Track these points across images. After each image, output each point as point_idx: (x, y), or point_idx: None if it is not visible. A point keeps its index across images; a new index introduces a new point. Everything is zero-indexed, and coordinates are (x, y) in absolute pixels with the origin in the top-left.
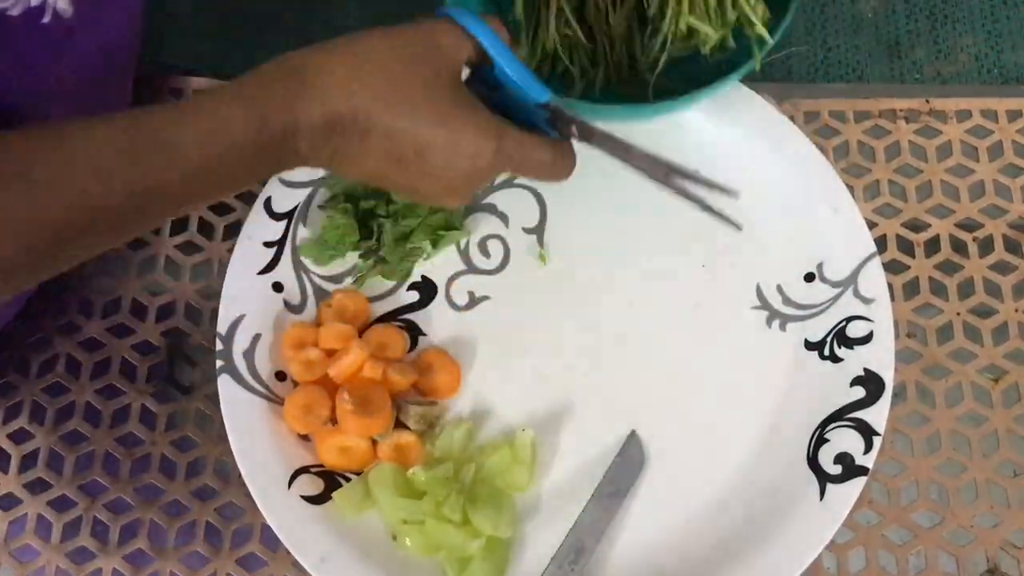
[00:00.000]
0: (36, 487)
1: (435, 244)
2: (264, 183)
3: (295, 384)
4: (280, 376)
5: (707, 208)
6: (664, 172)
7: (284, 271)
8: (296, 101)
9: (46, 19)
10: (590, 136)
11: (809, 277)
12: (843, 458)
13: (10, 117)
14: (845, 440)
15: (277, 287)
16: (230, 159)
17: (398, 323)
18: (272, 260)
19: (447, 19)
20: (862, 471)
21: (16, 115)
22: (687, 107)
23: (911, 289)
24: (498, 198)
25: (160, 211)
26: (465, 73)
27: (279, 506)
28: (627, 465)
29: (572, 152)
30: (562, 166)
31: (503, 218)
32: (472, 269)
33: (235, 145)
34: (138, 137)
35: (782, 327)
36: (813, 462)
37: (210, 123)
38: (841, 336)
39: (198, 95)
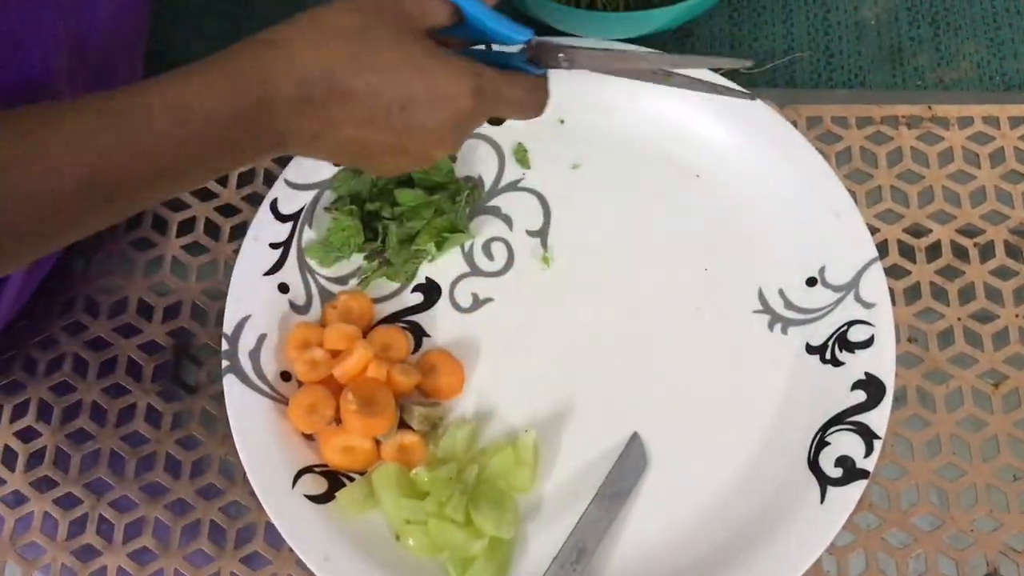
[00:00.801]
0: (42, 485)
1: (439, 246)
2: (271, 186)
3: (300, 384)
4: (285, 376)
5: (715, 88)
6: (660, 73)
7: (289, 272)
8: (268, 74)
9: None
10: (577, 58)
11: (811, 281)
12: (844, 461)
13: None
14: (846, 443)
15: (283, 288)
16: (204, 133)
17: (402, 324)
18: (278, 261)
19: None
20: (863, 474)
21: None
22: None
23: (912, 294)
24: (502, 201)
25: (139, 190)
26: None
27: (283, 505)
28: (629, 467)
29: (546, 86)
30: (537, 99)
31: (507, 221)
32: (476, 271)
33: (208, 119)
34: (108, 111)
35: (784, 331)
36: (814, 465)
37: (182, 95)
38: (842, 340)
39: (169, 73)
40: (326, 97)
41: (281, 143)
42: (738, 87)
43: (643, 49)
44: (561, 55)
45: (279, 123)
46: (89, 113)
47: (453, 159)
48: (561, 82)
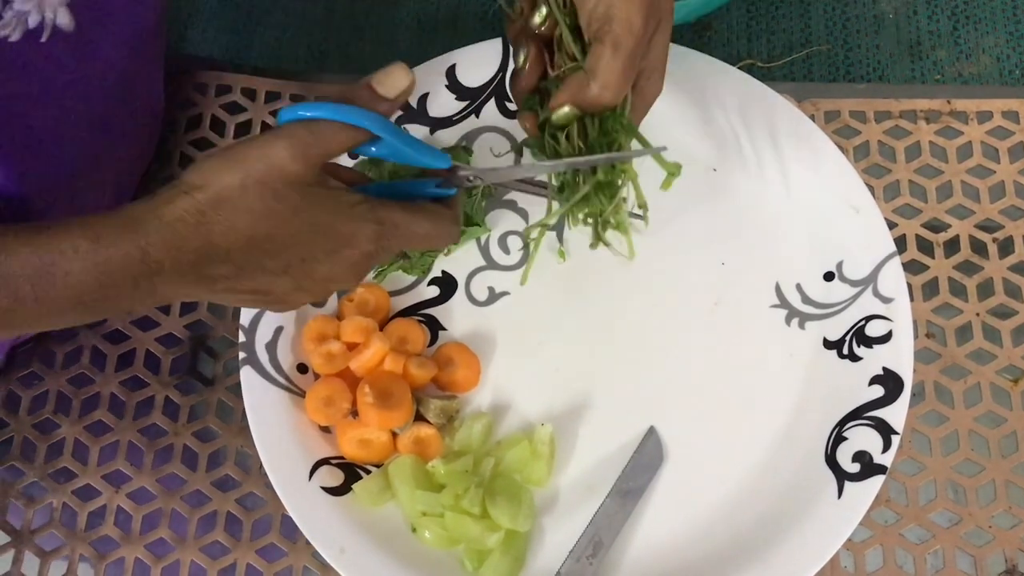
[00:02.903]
0: (61, 477)
1: None
2: None
3: (316, 376)
4: (302, 368)
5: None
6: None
7: None
8: (152, 252)
9: (44, 38)
10: (494, 179)
11: (829, 276)
12: (861, 456)
13: (33, 137)
14: (863, 438)
15: None
16: (63, 293)
17: (418, 317)
18: None
19: (303, 122)
20: (880, 470)
21: (38, 135)
22: None
23: (930, 289)
24: (518, 195)
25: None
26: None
27: (299, 497)
28: (645, 461)
29: (456, 214)
30: (447, 231)
31: (523, 214)
32: (492, 265)
33: (70, 281)
34: None
35: (801, 325)
36: (831, 460)
37: (47, 256)
38: (860, 335)
39: (40, 226)
40: (216, 267)
41: (161, 301)
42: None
43: (545, 163)
44: (471, 177)
45: (161, 289)
46: None
47: (470, 152)
48: None
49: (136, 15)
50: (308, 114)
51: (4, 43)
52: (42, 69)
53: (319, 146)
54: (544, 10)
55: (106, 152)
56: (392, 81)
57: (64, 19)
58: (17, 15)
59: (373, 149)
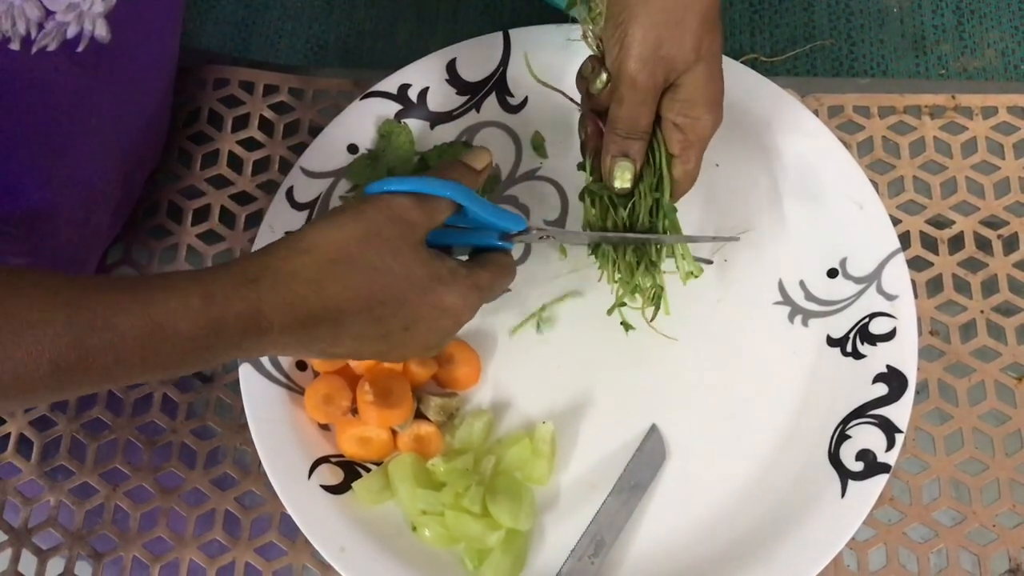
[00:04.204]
0: (58, 475)
1: None
2: (287, 174)
3: (316, 374)
4: (301, 366)
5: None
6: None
7: None
8: (265, 310)
9: (81, 48)
10: (563, 239)
11: (832, 273)
12: (865, 455)
13: (61, 145)
14: (867, 437)
15: None
16: (170, 351)
17: None
18: None
19: (412, 197)
20: (884, 468)
21: (66, 142)
22: None
23: (935, 286)
24: (520, 190)
25: (82, 388)
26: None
27: (299, 495)
28: (647, 459)
29: (513, 263)
30: (510, 278)
31: (525, 210)
32: None
33: (179, 340)
34: (78, 317)
35: (804, 323)
36: (835, 458)
37: (157, 315)
38: (864, 332)
39: (151, 279)
40: (324, 327)
41: (260, 356)
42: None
43: (609, 235)
44: (542, 236)
45: (266, 347)
46: (56, 317)
47: (470, 146)
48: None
49: (169, 28)
50: (394, 188)
51: (43, 52)
52: (75, 78)
53: (432, 207)
54: (604, 76)
55: (122, 156)
56: (478, 157)
57: (101, 31)
58: (57, 25)
59: (455, 217)
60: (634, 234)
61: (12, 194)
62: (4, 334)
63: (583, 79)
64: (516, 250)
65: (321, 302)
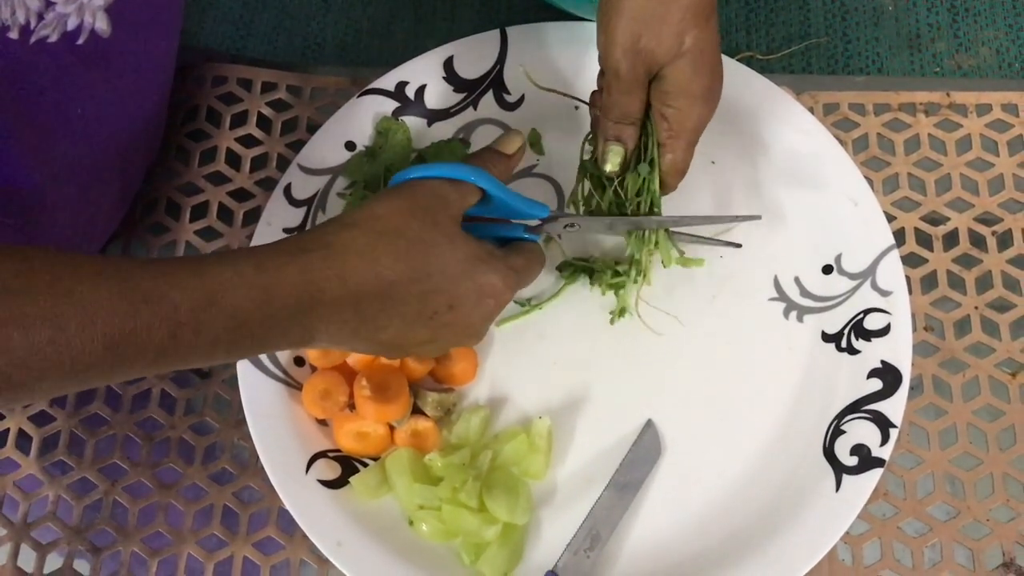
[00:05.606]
0: (57, 470)
1: None
2: (285, 171)
3: (313, 369)
4: (299, 361)
5: (706, 240)
6: (656, 224)
7: None
8: (313, 281)
9: (81, 40)
10: (581, 224)
11: (827, 269)
12: (859, 450)
13: (56, 135)
14: (862, 432)
15: None
16: (225, 325)
17: None
18: None
19: (444, 179)
20: (878, 463)
21: (62, 133)
22: None
23: (929, 282)
24: (518, 187)
25: (136, 367)
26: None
27: (296, 490)
28: (643, 454)
29: (542, 251)
30: (540, 267)
31: None
32: None
33: (235, 317)
34: (130, 289)
35: (799, 319)
36: (829, 453)
37: (210, 286)
38: (858, 328)
39: (202, 256)
40: (376, 302)
41: (310, 340)
42: (726, 240)
43: (629, 219)
44: (568, 225)
45: (317, 324)
46: (109, 287)
47: (467, 145)
48: (576, 69)
49: (169, 25)
50: (420, 174)
51: (42, 43)
52: (74, 70)
53: (464, 190)
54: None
55: (118, 149)
56: (509, 141)
57: (102, 24)
58: (58, 16)
59: (480, 204)
60: (655, 216)
61: (6, 184)
62: (54, 306)
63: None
64: None
65: (373, 274)
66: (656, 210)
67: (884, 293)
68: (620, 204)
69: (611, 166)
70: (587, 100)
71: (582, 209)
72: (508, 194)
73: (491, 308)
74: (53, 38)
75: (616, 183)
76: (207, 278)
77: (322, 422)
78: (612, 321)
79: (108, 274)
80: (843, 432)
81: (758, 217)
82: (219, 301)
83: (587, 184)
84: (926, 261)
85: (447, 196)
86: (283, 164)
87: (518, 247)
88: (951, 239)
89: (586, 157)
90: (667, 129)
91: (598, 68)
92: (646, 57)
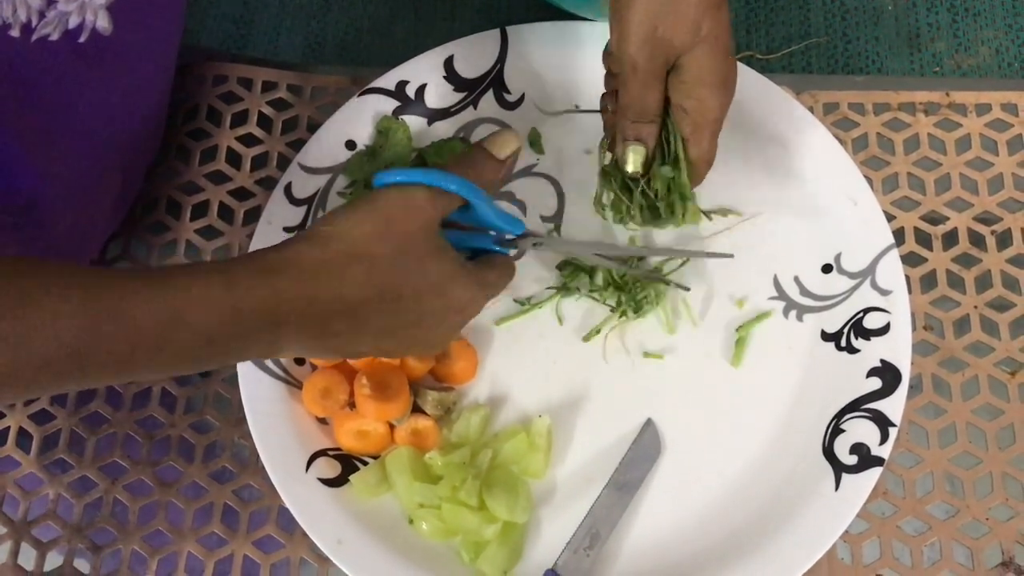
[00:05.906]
0: (57, 468)
1: None
2: (285, 170)
3: (313, 368)
4: (299, 360)
5: (696, 255)
6: (625, 260)
7: None
8: (279, 300)
9: (83, 39)
10: (558, 247)
11: (827, 268)
12: (859, 448)
13: (59, 137)
14: (861, 430)
15: None
16: (189, 341)
17: None
18: None
19: (425, 187)
20: (878, 462)
21: (64, 134)
22: None
23: (928, 282)
24: (516, 186)
25: (102, 376)
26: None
27: (296, 489)
28: (643, 453)
29: (513, 265)
30: (508, 280)
31: (521, 206)
32: None
33: (198, 329)
34: (93, 302)
35: (799, 318)
36: (829, 452)
37: (176, 302)
38: (858, 327)
39: (171, 269)
40: (344, 320)
41: (277, 352)
42: (715, 251)
43: (606, 244)
44: (541, 241)
45: (284, 340)
46: (71, 299)
47: (468, 144)
48: (575, 69)
49: (170, 24)
50: (399, 179)
51: (44, 41)
52: (75, 69)
53: (444, 200)
54: None
55: (119, 147)
56: (504, 144)
57: (103, 22)
58: (59, 15)
59: (461, 210)
60: (627, 252)
61: (6, 182)
62: (21, 316)
63: (608, 55)
64: None
65: (340, 297)
66: (684, 207)
67: (884, 292)
68: (651, 206)
69: (633, 166)
70: (585, 101)
71: (611, 215)
72: (489, 206)
73: (456, 322)
74: (54, 36)
75: (643, 184)
76: (173, 295)
77: (322, 420)
78: (587, 338)
79: (72, 286)
80: (842, 431)
81: (730, 255)
82: (185, 317)
83: (608, 189)
84: (926, 260)
85: (424, 207)
86: (283, 163)
87: (491, 261)
88: (950, 238)
89: (605, 163)
90: (690, 122)
91: (599, 68)
92: (664, 47)
